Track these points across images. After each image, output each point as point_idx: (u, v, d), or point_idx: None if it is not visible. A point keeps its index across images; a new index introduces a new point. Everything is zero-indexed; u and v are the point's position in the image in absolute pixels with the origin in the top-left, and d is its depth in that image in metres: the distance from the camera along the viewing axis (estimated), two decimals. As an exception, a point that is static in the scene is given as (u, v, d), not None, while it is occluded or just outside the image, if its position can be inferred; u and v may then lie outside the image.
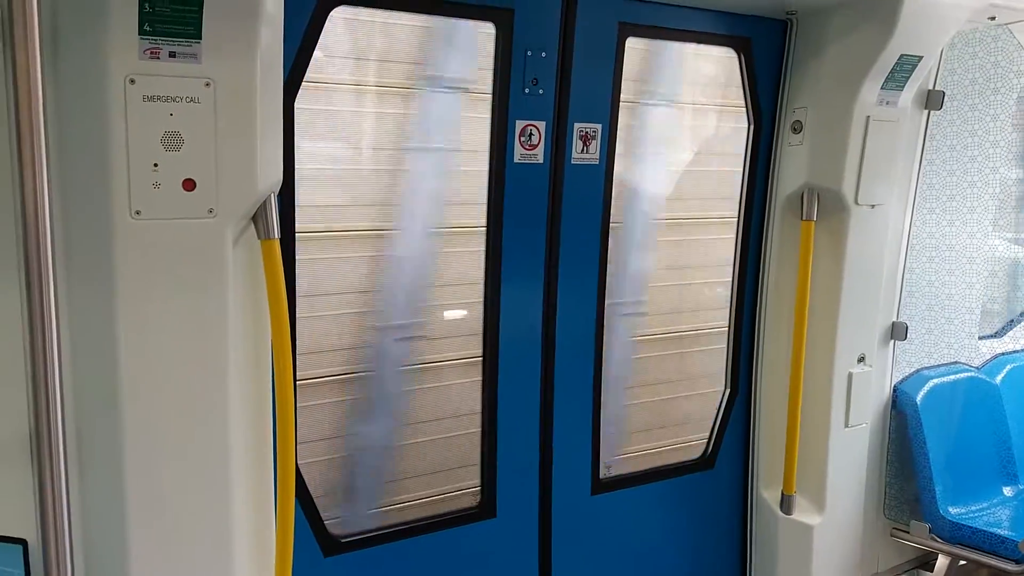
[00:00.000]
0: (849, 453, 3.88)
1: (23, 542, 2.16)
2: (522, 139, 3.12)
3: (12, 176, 2.00)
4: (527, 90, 3.08)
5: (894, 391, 4.17)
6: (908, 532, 4.19)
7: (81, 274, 2.13)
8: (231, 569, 2.40)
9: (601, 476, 3.59)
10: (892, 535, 4.25)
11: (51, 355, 2.00)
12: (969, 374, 4.38)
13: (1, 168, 2.03)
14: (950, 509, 4.05)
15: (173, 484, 2.28)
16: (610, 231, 3.43)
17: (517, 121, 3.09)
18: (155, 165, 2.10)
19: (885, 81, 3.42)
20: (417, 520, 3.20)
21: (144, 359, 2.19)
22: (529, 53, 3.05)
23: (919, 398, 4.11)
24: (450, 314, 3.28)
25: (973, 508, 4.13)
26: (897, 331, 4.06)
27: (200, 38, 2.08)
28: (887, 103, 3.49)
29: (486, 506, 3.31)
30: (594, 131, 3.26)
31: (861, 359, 3.84)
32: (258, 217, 2.31)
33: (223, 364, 2.30)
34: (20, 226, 1.99)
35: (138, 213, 2.11)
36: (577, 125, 3.22)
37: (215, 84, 2.13)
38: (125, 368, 2.17)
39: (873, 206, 3.64)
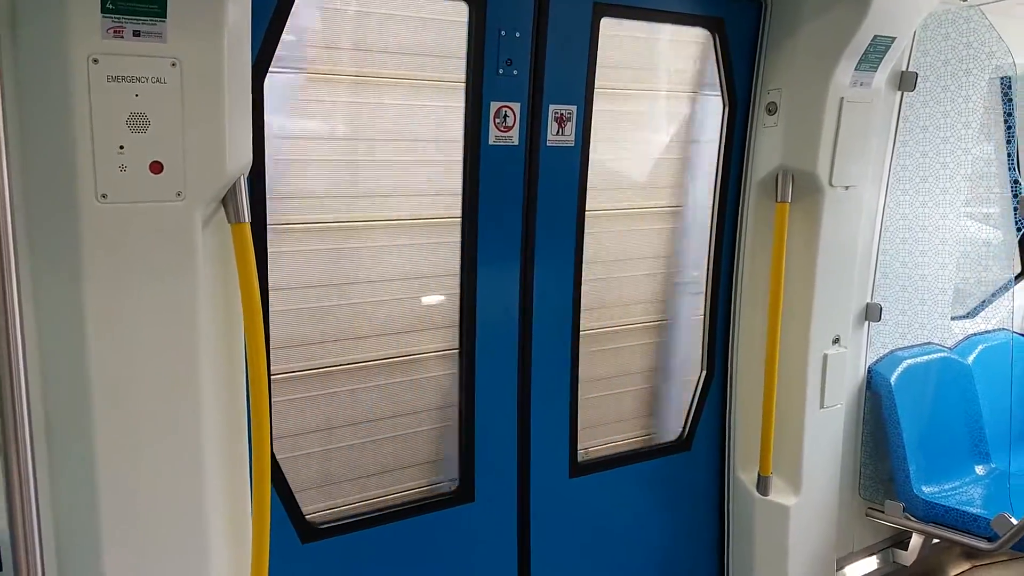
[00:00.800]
0: (824, 434, 3.91)
1: None
2: (496, 121, 3.09)
3: None
4: (501, 71, 3.05)
5: (868, 372, 4.21)
6: (883, 512, 4.24)
7: (46, 260, 2.08)
8: (207, 558, 2.38)
9: (580, 460, 3.59)
10: (867, 515, 4.29)
11: (15, 343, 1.95)
12: (942, 355, 4.43)
13: None
14: (923, 488, 4.10)
15: (145, 473, 2.25)
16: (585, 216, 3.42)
17: (492, 103, 3.06)
18: (121, 147, 2.05)
19: (859, 62, 3.43)
20: (395, 506, 3.19)
21: (113, 346, 2.15)
22: (503, 33, 3.02)
23: (893, 379, 4.15)
24: (428, 299, 3.25)
25: (946, 487, 4.18)
26: (871, 312, 4.10)
27: (165, 16, 2.03)
28: (861, 84, 3.50)
29: (464, 490, 3.30)
30: (569, 113, 3.24)
31: (836, 340, 3.86)
32: (228, 200, 2.27)
33: (194, 351, 2.26)
34: None
35: (104, 197, 2.06)
36: (552, 107, 3.20)
37: (181, 64, 2.08)
38: (93, 355, 2.13)
39: (847, 187, 3.65)
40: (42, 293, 2.09)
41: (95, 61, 1.99)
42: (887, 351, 4.28)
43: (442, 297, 3.25)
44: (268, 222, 2.73)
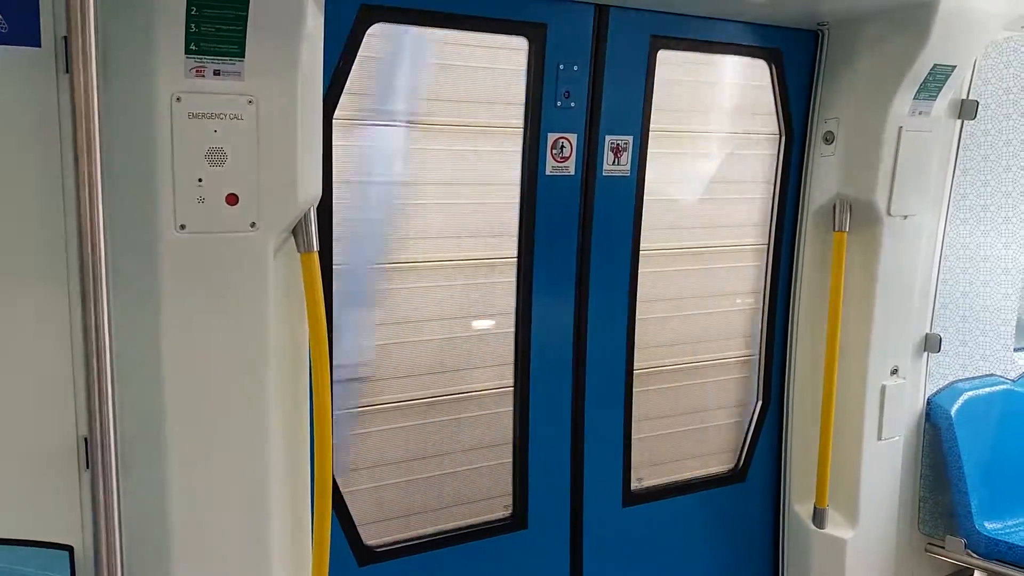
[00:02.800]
0: (882, 466, 3.85)
1: (69, 548, 2.20)
2: (554, 152, 3.14)
3: (64, 192, 2.06)
4: (559, 103, 3.11)
5: (928, 404, 4.12)
6: (943, 547, 4.13)
7: (129, 288, 2.18)
8: None
9: (633, 488, 3.59)
10: (927, 550, 4.19)
11: (104, 367, 2.05)
12: (1004, 387, 4.32)
13: (51, 184, 2.09)
14: (986, 524, 4.00)
15: (214, 495, 2.32)
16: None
17: (549, 134, 3.12)
18: (199, 180, 2.15)
19: (918, 91, 3.40)
20: (450, 531, 3.22)
21: (187, 371, 2.24)
22: (561, 67, 3.08)
23: (953, 411, 4.06)
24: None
25: (1010, 523, 4.07)
26: (931, 343, 4.03)
27: (243, 56, 2.13)
28: (920, 113, 3.48)
29: (518, 518, 3.32)
30: (625, 143, 3.28)
31: (894, 371, 3.81)
32: (298, 230, 2.35)
33: (264, 375, 2.34)
34: (74, 241, 2.04)
35: (183, 227, 2.16)
36: (608, 137, 3.24)
37: (257, 101, 2.17)
38: (169, 379, 2.22)
39: (906, 217, 3.62)
40: (124, 319, 2.19)
41: (178, 99, 2.09)
42: (947, 382, 4.19)
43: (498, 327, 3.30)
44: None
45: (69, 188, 2.05)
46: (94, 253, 1.99)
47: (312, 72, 2.29)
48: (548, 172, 3.16)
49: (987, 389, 4.25)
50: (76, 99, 1.96)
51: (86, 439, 2.14)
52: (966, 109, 3.86)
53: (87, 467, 2.14)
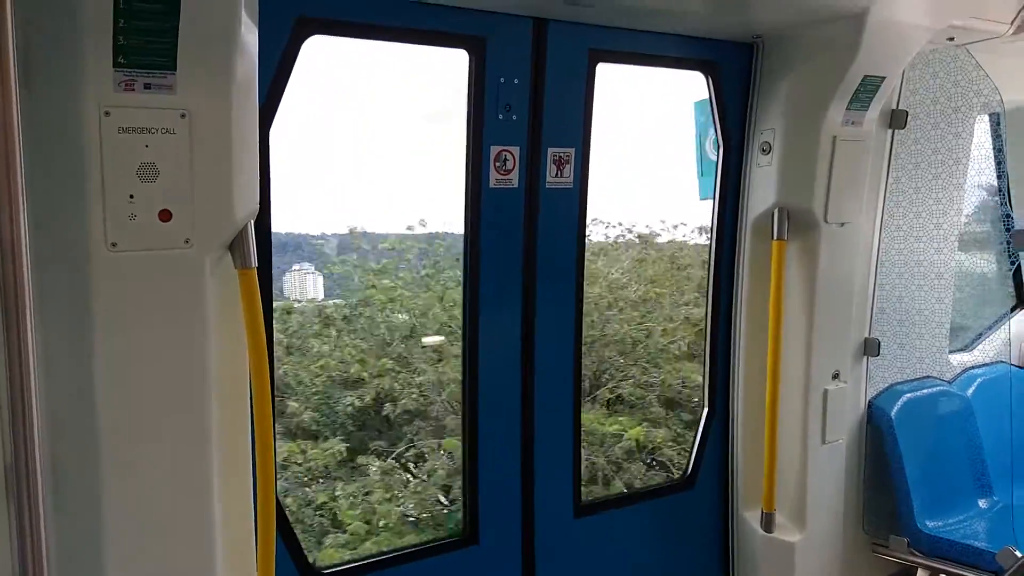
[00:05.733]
0: (827, 469, 3.91)
1: None
2: (497, 164, 3.14)
3: None
4: (501, 116, 3.11)
5: (869, 406, 4.21)
6: (887, 547, 4.21)
7: (57, 307, 2.10)
8: None
9: (583, 499, 3.58)
10: (872, 550, 4.27)
11: (28, 389, 1.97)
12: (941, 388, 4.44)
13: None
14: (927, 523, 4.09)
15: (153, 516, 2.25)
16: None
17: (492, 147, 3.12)
18: (131, 196, 2.09)
19: (850, 101, 3.50)
20: (400, 548, 3.17)
21: (122, 392, 2.16)
22: (502, 80, 3.09)
23: (894, 413, 4.15)
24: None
25: (950, 521, 4.16)
26: (870, 347, 4.12)
27: (175, 69, 2.08)
28: (853, 123, 3.57)
29: (469, 533, 3.29)
30: (568, 155, 3.29)
31: (836, 375, 3.88)
32: (235, 246, 2.30)
33: (203, 396, 2.28)
34: None
35: (114, 245, 2.09)
36: (551, 150, 3.25)
37: (190, 115, 2.12)
38: (103, 402, 2.14)
39: (843, 224, 3.70)
40: (53, 339, 2.10)
41: (107, 113, 2.03)
42: (886, 385, 4.29)
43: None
44: None
45: None
46: (16, 273, 1.90)
47: (247, 85, 2.25)
48: (492, 185, 3.15)
49: (925, 391, 4.36)
50: None
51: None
52: (896, 119, 3.97)
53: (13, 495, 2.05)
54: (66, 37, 1.99)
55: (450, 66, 3.10)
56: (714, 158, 3.85)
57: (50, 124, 2.03)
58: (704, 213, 3.99)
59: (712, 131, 3.84)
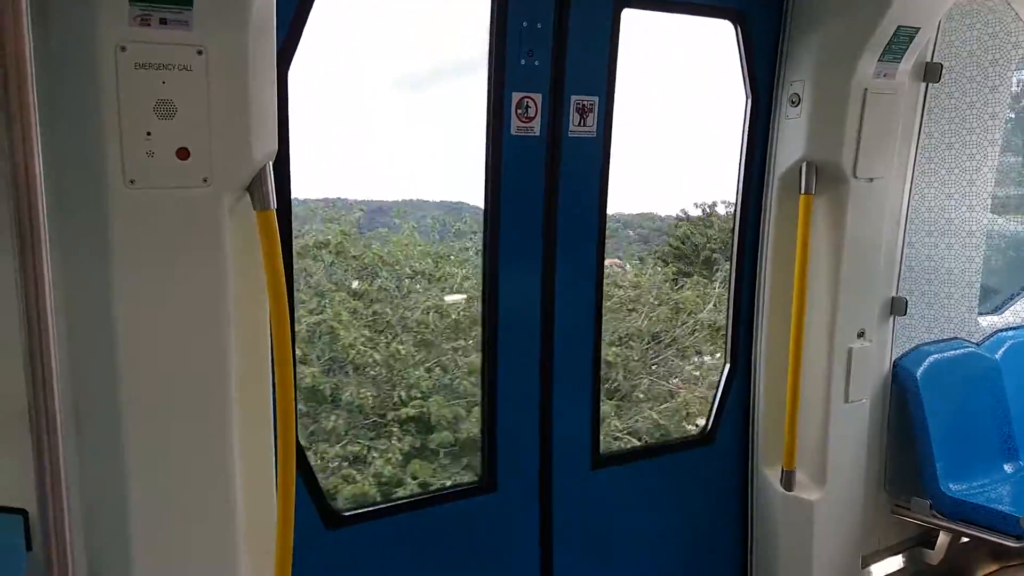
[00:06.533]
0: (849, 429, 3.88)
1: (23, 512, 2.15)
2: (519, 111, 3.10)
3: (1, 146, 1.98)
4: (523, 61, 3.07)
5: (894, 366, 4.16)
6: (909, 509, 4.18)
7: (76, 244, 2.12)
8: (233, 540, 2.40)
9: (601, 451, 3.59)
10: (893, 512, 4.24)
11: (46, 326, 1.98)
12: (969, 350, 4.37)
13: None
14: (951, 485, 4.05)
15: (173, 455, 2.28)
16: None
17: (513, 93, 3.08)
18: (148, 134, 2.09)
19: (883, 53, 3.40)
20: (419, 494, 3.20)
21: (141, 329, 2.18)
22: (524, 24, 3.04)
23: (919, 374, 4.10)
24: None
25: (974, 484, 4.12)
26: (897, 306, 4.05)
27: (191, 5, 2.06)
28: (885, 75, 3.48)
29: (487, 481, 3.31)
30: (591, 103, 3.25)
31: (861, 334, 3.83)
32: (254, 187, 2.29)
33: (221, 334, 2.29)
34: (12, 197, 1.97)
35: (132, 182, 2.10)
36: (574, 98, 3.21)
37: (207, 52, 2.11)
38: (122, 338, 2.16)
39: (872, 179, 3.63)
40: (72, 276, 2.13)
41: (123, 49, 2.02)
42: (913, 346, 4.23)
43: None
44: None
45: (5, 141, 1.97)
46: (32, 210, 1.90)
47: (264, 24, 2.23)
48: (513, 132, 3.12)
49: (952, 352, 4.29)
50: (6, 44, 1.86)
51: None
52: (931, 71, 3.87)
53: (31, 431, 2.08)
54: None
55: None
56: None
57: (65, 60, 2.03)
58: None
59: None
